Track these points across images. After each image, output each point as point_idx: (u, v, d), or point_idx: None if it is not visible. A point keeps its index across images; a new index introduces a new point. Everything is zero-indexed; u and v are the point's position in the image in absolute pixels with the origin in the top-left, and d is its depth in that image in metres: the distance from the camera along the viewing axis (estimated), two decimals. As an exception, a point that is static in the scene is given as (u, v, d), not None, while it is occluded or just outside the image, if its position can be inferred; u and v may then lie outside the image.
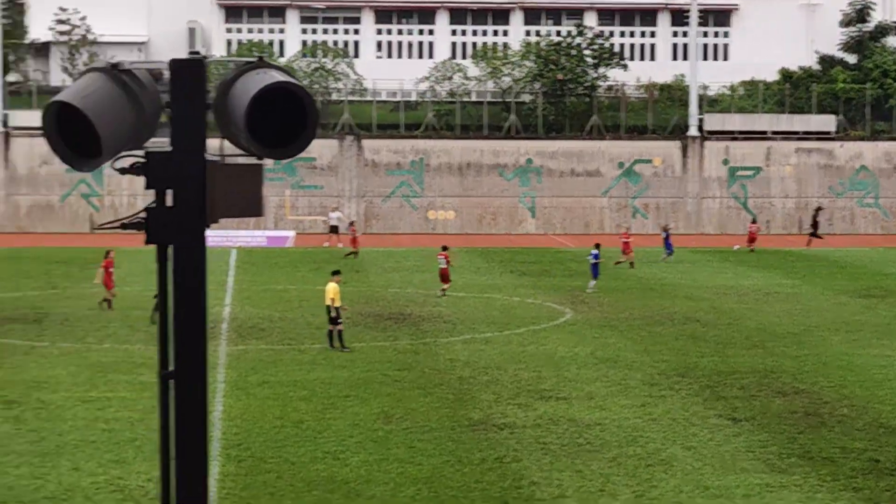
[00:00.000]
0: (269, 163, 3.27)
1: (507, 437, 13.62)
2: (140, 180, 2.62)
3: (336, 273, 19.81)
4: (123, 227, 2.64)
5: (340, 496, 11.49)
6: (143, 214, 2.59)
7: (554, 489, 11.70)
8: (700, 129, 45.50)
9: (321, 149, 42.11)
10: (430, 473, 12.11)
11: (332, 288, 18.96)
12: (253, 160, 2.73)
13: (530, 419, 14.51)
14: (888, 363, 18.61)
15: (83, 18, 46.40)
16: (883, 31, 49.25)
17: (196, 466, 2.70)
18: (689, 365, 18.36)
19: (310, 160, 40.92)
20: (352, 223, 36.45)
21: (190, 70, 2.64)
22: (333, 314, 18.57)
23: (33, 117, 37.63)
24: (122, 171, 2.60)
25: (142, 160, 2.61)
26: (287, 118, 2.66)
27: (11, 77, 46.05)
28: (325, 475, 12.01)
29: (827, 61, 49.68)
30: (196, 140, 2.63)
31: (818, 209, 40.49)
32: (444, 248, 26.43)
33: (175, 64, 2.61)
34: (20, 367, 18.08)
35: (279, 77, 2.60)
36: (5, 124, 41.95)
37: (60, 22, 46.51)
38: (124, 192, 40.96)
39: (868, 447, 13.18)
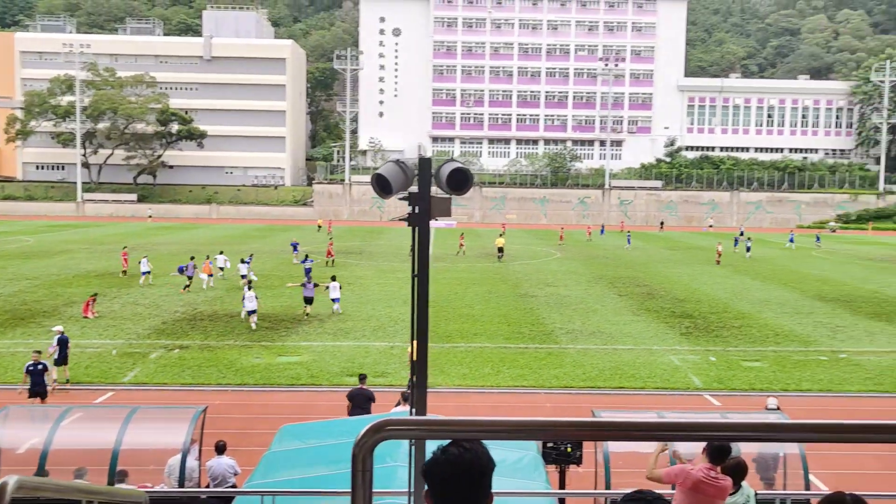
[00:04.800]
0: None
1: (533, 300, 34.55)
2: (404, 202, 6.51)
3: None
4: (402, 219, 6.47)
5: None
6: (406, 214, 6.45)
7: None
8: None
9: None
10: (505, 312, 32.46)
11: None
12: (444, 195, 6.67)
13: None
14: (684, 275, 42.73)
15: (379, 141, 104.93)
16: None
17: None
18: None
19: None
20: None
21: (424, 162, 6.56)
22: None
23: (364, 178, 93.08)
24: (400, 198, 6.44)
25: (407, 195, 6.47)
26: (459, 177, 6.65)
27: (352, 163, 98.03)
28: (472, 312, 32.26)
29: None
30: (426, 188, 6.54)
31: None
32: None
33: (421, 160, 6.53)
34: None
35: (458, 164, 6.60)
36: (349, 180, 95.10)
37: (371, 141, 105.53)
38: (398, 207, 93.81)
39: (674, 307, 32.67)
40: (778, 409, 17.20)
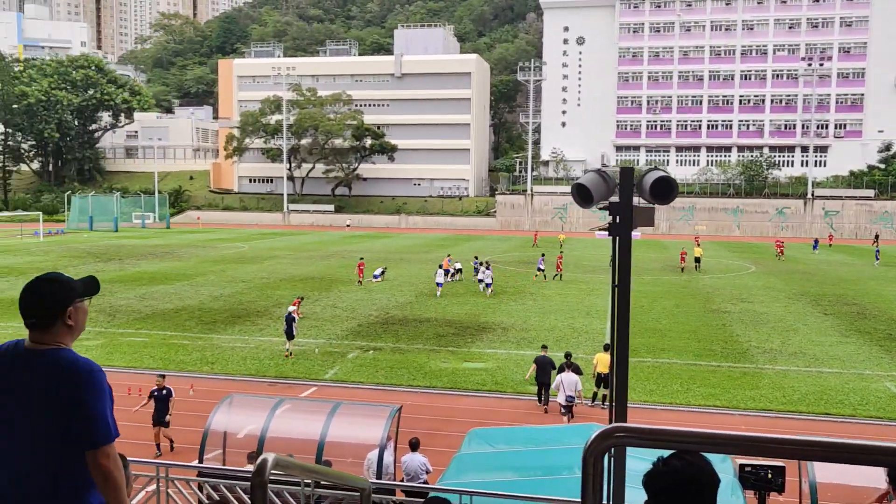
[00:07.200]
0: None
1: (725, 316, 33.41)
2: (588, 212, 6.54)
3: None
4: (602, 229, 6.52)
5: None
6: (607, 224, 6.47)
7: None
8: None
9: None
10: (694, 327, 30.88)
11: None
12: (647, 205, 6.62)
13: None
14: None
15: (561, 151, 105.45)
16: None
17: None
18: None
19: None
20: None
21: (626, 172, 6.56)
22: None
23: (546, 189, 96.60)
24: (601, 208, 6.48)
25: (608, 204, 6.49)
26: (663, 186, 6.57)
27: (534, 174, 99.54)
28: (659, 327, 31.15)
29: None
30: (629, 197, 6.53)
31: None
32: None
33: (623, 170, 6.53)
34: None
35: (662, 173, 6.52)
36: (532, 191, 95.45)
37: (553, 152, 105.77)
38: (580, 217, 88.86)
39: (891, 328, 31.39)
40: None
